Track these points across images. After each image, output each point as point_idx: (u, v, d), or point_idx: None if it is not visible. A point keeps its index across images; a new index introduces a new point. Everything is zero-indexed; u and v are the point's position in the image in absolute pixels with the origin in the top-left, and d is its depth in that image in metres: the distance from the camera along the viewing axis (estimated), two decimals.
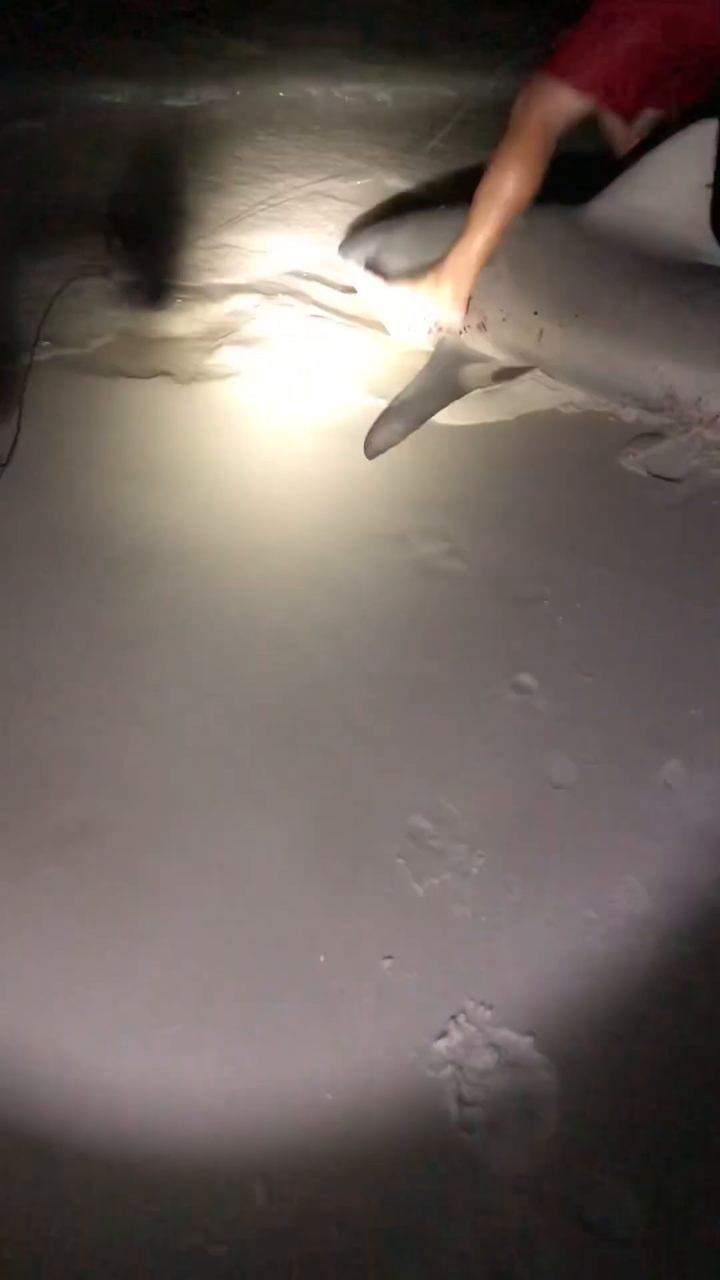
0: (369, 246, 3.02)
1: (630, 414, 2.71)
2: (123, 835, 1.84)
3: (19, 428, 2.58)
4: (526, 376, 2.80)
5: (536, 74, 2.50)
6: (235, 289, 3.20)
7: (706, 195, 2.53)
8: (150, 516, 2.45)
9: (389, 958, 1.69)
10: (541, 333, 2.69)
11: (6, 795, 1.90)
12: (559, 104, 2.47)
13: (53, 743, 1.99)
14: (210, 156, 3.83)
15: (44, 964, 1.68)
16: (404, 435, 2.64)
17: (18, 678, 2.10)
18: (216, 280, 3.25)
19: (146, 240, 3.40)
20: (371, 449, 2.61)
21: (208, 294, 3.19)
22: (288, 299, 3.16)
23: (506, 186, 2.54)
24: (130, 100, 4.15)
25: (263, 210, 3.59)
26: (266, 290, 3.19)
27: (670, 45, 2.45)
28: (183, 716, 2.04)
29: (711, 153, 2.45)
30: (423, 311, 2.79)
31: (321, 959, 1.69)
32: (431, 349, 2.84)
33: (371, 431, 2.64)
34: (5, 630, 2.18)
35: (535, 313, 2.69)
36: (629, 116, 2.60)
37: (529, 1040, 1.60)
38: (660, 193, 2.57)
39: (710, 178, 2.51)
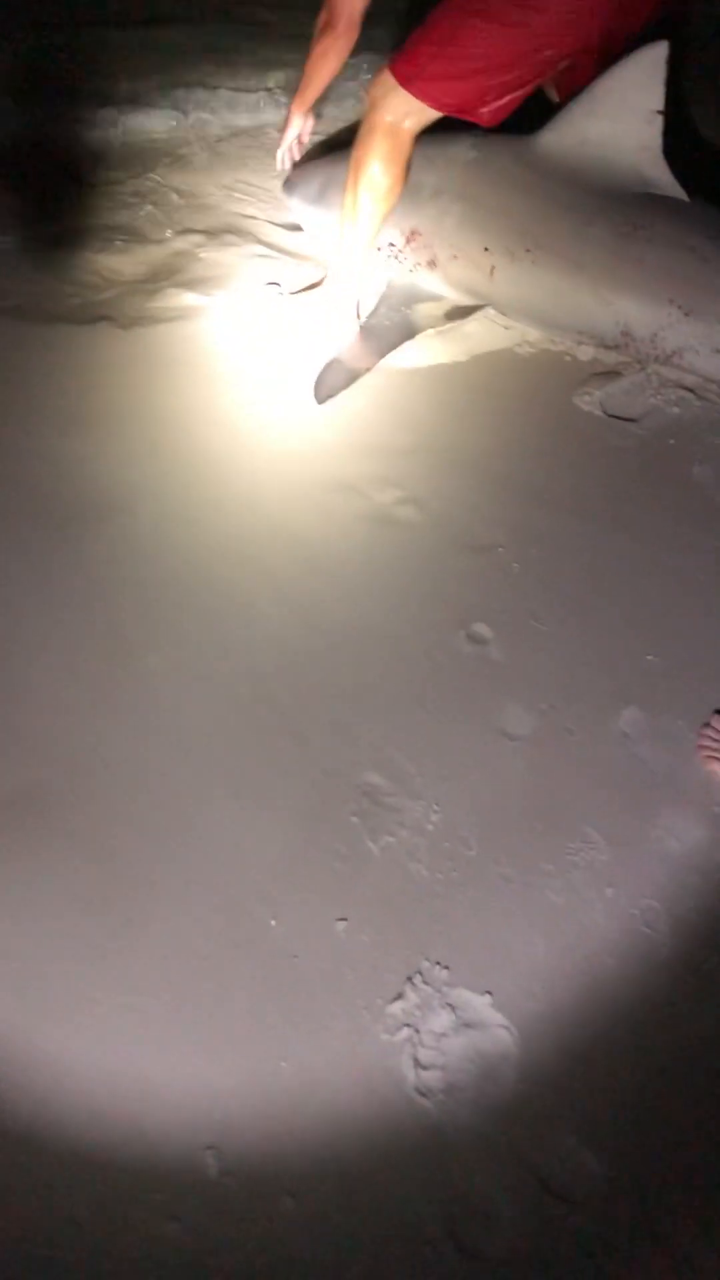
0: (313, 184, 2.91)
1: (586, 352, 2.64)
2: (65, 799, 1.78)
3: None
4: (478, 315, 2.72)
5: (382, 72, 2.36)
6: (178, 229, 3.08)
7: (658, 122, 2.43)
8: (94, 468, 2.35)
9: (343, 919, 1.65)
10: (493, 269, 2.61)
11: None
12: (408, 109, 2.36)
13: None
14: (148, 92, 3.67)
15: None
16: (354, 379, 2.56)
17: None
18: (158, 221, 3.13)
19: (84, 182, 3.27)
20: (321, 394, 2.53)
21: (149, 235, 3.07)
22: (232, 238, 3.04)
23: (369, 192, 2.47)
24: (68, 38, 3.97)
25: (204, 148, 3.46)
26: (210, 230, 3.08)
27: (530, 51, 2.31)
28: (126, 673, 1.96)
29: (661, 77, 2.35)
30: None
31: (273, 923, 1.64)
32: (380, 289, 2.75)
33: (320, 376, 2.56)
34: None
35: (486, 249, 2.60)
36: (491, 122, 2.44)
37: (486, 999, 1.56)
38: (611, 121, 2.47)
39: (660, 104, 2.41)
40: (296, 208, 2.96)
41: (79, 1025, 1.53)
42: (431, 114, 2.36)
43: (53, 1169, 1.41)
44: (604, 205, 2.50)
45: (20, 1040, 1.51)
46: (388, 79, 2.33)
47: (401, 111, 2.35)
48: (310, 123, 3.03)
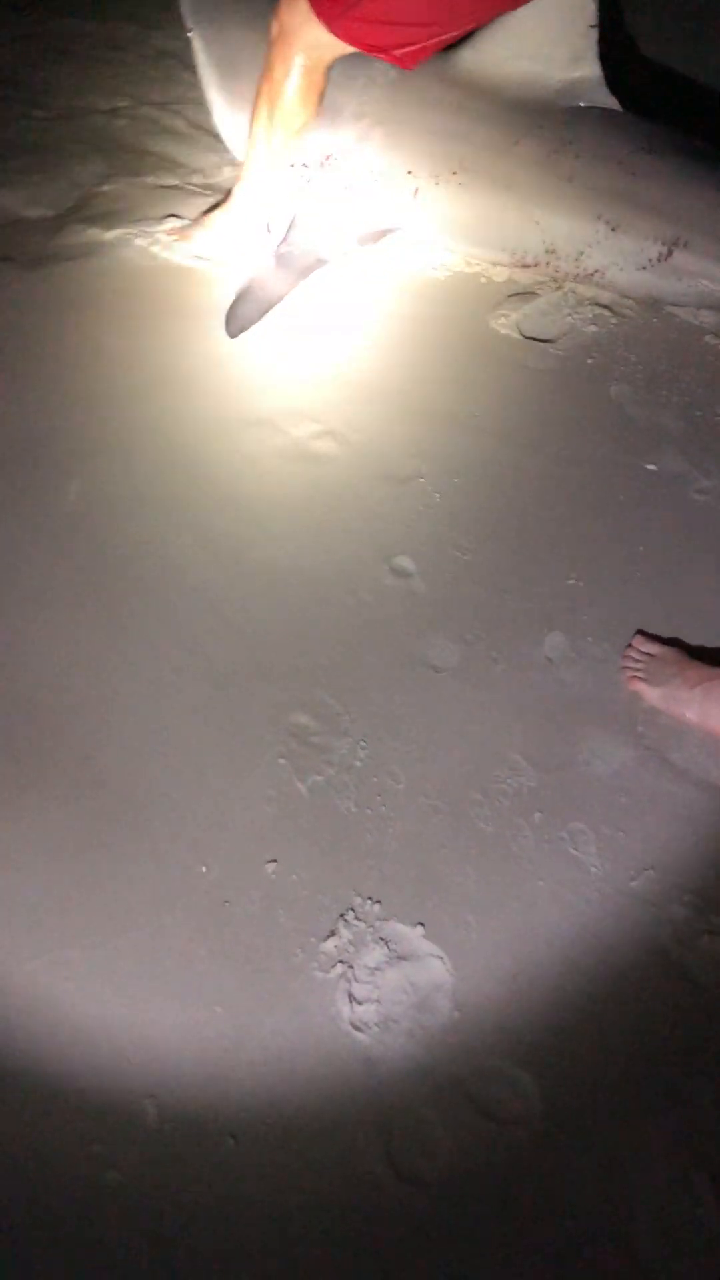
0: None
1: (501, 274, 2.59)
2: None
3: None
4: (393, 239, 2.65)
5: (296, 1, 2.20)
6: (79, 157, 2.95)
7: (592, 35, 2.36)
8: None
9: (273, 861, 1.64)
10: (416, 191, 2.54)
11: None
12: (325, 44, 2.22)
13: None
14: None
15: None
16: (266, 311, 2.49)
17: None
18: (57, 148, 2.99)
19: None
20: (232, 327, 2.46)
21: (49, 165, 2.94)
22: (138, 165, 2.92)
23: (276, 119, 2.38)
24: None
25: (102, 59, 3.30)
26: (112, 154, 2.95)
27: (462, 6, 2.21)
28: (35, 620, 1.92)
29: None
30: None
31: (204, 870, 1.63)
32: (292, 215, 2.67)
33: (231, 309, 2.48)
34: None
35: (409, 171, 2.53)
36: (410, 66, 2.31)
37: (419, 931, 1.57)
38: (541, 34, 2.39)
39: (594, 18, 2.34)
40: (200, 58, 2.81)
41: (10, 982, 1.52)
42: (347, 49, 2.26)
43: None
44: (532, 121, 2.44)
45: None
46: (305, 11, 2.21)
47: (316, 45, 2.25)
48: None
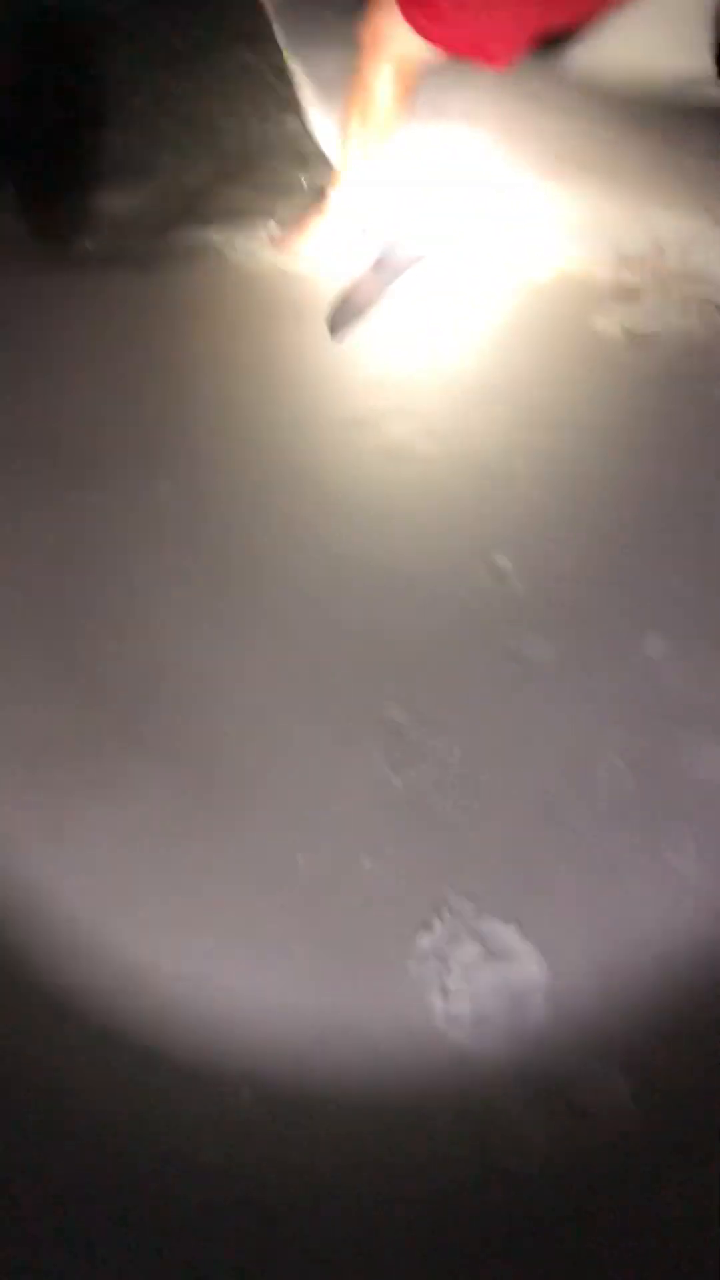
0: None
1: (606, 273, 2.56)
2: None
3: None
4: (496, 238, 2.64)
5: (385, 2, 2.17)
6: (188, 164, 3.01)
7: (708, 31, 2.32)
8: (105, 416, 2.33)
9: (368, 854, 1.66)
10: (521, 189, 2.54)
11: None
12: (407, 45, 2.19)
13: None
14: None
15: None
16: (367, 311, 2.51)
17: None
18: (169, 153, 3.06)
19: (90, 110, 3.19)
20: (335, 327, 2.48)
21: (160, 170, 3.00)
22: (246, 167, 2.97)
23: (368, 125, 2.35)
24: None
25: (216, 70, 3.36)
26: (219, 161, 3.00)
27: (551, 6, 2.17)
28: (140, 615, 1.97)
29: None
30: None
31: (299, 859, 1.65)
32: (394, 215, 2.68)
33: (334, 311, 2.51)
34: None
35: (515, 170, 2.53)
36: (503, 67, 2.26)
37: (513, 928, 1.57)
38: (654, 31, 2.37)
39: (711, 15, 2.31)
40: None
41: (112, 957, 1.55)
42: (439, 54, 2.26)
43: (92, 1096, 1.44)
44: (642, 119, 2.41)
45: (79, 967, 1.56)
46: (395, 16, 2.21)
47: (407, 50, 2.25)
48: None
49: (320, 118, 2.80)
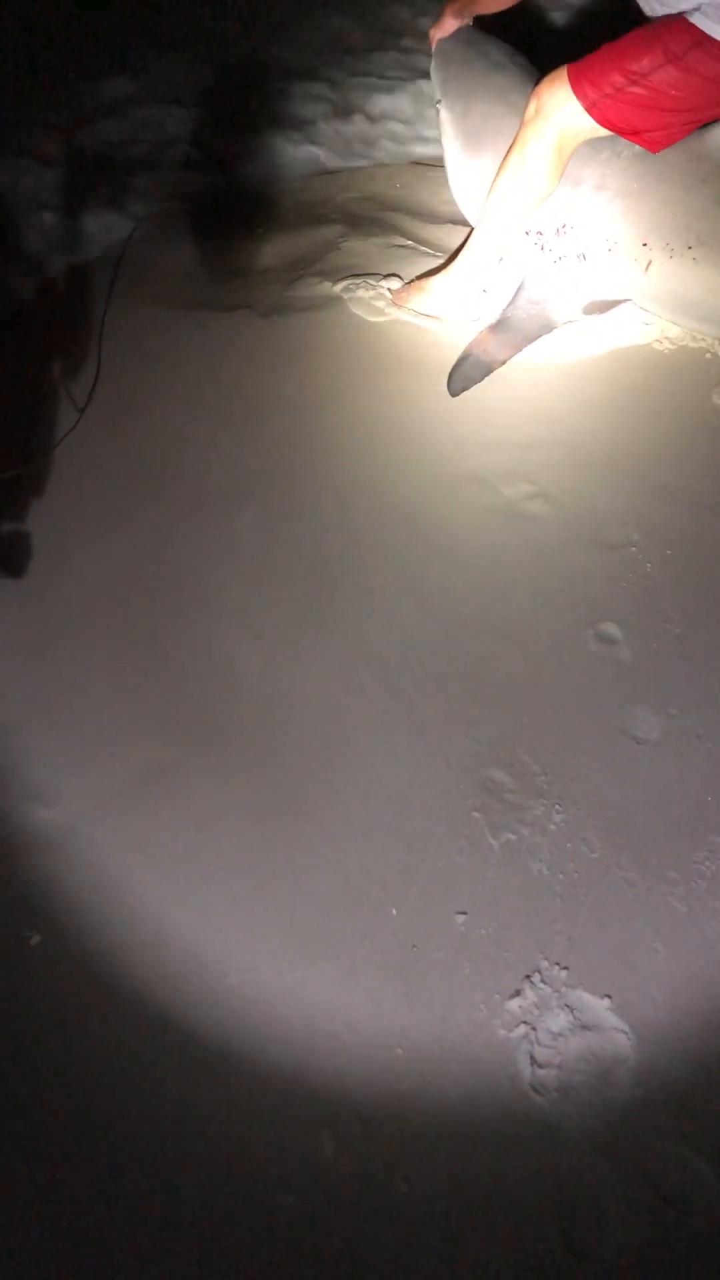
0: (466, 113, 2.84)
1: None
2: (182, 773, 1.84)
3: (98, 374, 2.52)
4: (620, 310, 2.67)
5: (557, 77, 2.29)
6: (318, 218, 3.10)
7: None
8: (228, 453, 2.40)
9: (462, 913, 1.66)
10: (649, 264, 2.56)
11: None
12: (578, 125, 2.30)
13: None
14: (296, 93, 3.69)
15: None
16: (489, 372, 2.55)
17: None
18: (299, 209, 3.15)
19: (226, 171, 3.31)
20: (455, 386, 2.53)
21: (290, 223, 3.10)
22: (373, 228, 3.05)
23: (517, 194, 2.44)
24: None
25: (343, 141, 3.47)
26: (350, 220, 3.09)
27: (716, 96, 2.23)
28: (252, 651, 2.01)
29: None
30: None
31: (394, 912, 1.67)
32: (522, 279, 2.73)
33: (455, 368, 2.55)
34: (109, 564, 2.19)
35: (644, 244, 2.55)
36: (658, 150, 2.38)
37: (605, 1003, 1.56)
38: None
39: None
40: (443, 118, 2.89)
41: (206, 994, 1.58)
42: (601, 131, 2.33)
43: (175, 1125, 1.46)
44: None
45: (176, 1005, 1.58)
46: (566, 93, 2.28)
47: (573, 125, 2.32)
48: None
49: (459, 170, 2.86)
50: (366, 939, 1.64)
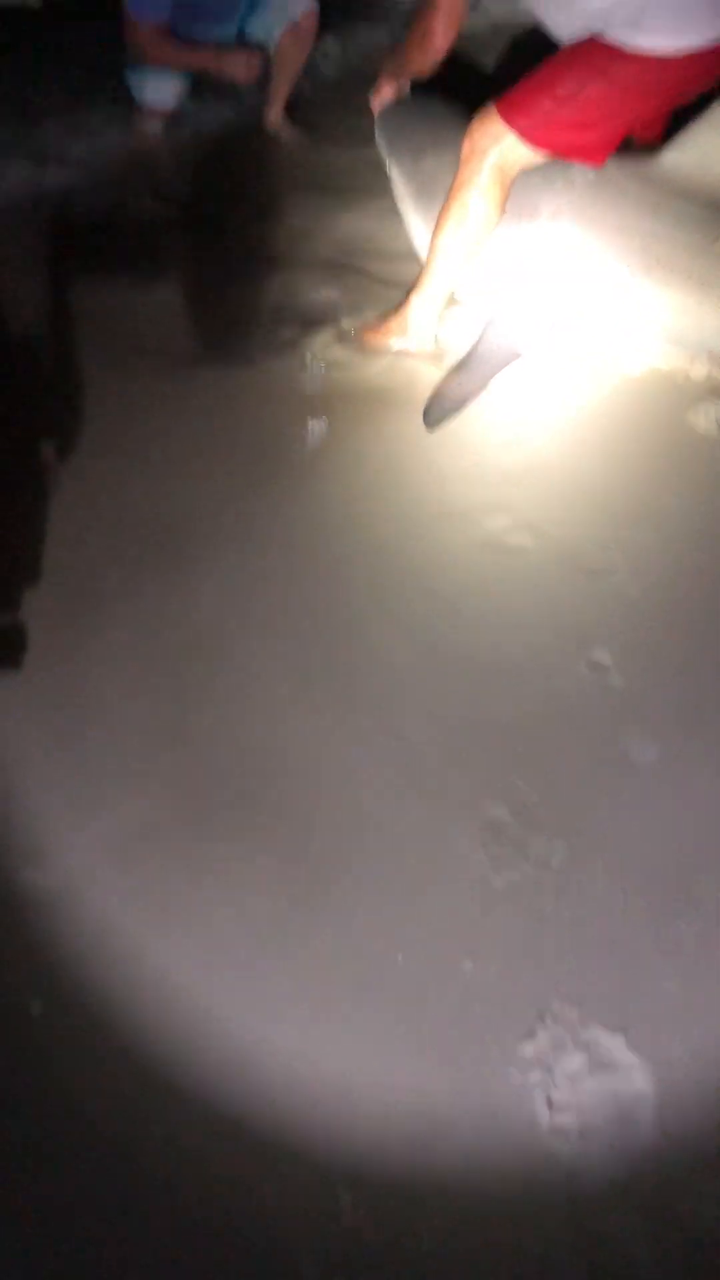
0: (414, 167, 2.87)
1: (700, 371, 2.59)
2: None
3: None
4: (589, 336, 2.68)
5: (487, 114, 2.35)
6: (300, 266, 3.11)
7: None
8: (201, 501, 2.36)
9: (469, 956, 1.63)
10: (613, 289, 2.59)
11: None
12: (514, 155, 2.36)
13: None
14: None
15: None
16: (463, 405, 2.55)
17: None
18: (279, 258, 3.15)
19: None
20: (431, 421, 2.53)
21: (272, 273, 3.08)
22: (340, 270, 3.06)
23: (463, 228, 2.48)
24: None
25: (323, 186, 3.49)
26: (327, 267, 3.09)
27: (642, 100, 2.31)
28: (247, 698, 1.99)
29: None
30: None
31: (399, 959, 1.63)
32: (488, 312, 2.74)
33: (430, 402, 2.56)
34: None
35: (607, 270, 2.58)
36: (600, 163, 2.45)
37: (620, 1039, 1.53)
38: None
39: None
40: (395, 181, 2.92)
41: (215, 1050, 1.54)
42: (542, 158, 2.37)
43: (192, 1194, 1.42)
44: None
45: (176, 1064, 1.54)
46: (499, 127, 2.32)
47: (509, 156, 2.36)
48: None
49: (417, 221, 2.89)
50: (373, 988, 1.60)
